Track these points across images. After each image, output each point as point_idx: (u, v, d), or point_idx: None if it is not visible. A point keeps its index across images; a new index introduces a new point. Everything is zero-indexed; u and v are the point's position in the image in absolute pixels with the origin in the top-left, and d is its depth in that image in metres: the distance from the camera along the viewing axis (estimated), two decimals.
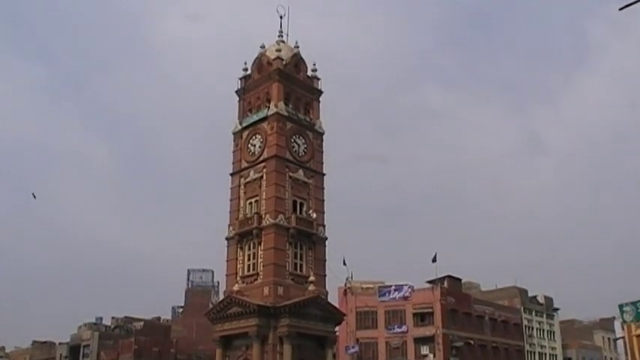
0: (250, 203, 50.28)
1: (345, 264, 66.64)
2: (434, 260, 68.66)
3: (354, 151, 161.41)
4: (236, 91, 54.67)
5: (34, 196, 67.25)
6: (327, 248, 50.71)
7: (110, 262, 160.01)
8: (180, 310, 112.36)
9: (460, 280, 77.95)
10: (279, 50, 52.93)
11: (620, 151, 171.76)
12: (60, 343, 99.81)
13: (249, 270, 48.51)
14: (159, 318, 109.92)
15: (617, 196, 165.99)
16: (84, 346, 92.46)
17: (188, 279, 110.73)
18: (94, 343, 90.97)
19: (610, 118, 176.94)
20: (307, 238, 49.31)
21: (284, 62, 52.53)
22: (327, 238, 50.64)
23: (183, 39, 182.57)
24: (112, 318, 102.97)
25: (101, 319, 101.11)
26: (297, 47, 54.85)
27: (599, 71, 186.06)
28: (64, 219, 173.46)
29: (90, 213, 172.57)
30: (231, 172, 52.51)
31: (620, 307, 58.93)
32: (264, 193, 49.31)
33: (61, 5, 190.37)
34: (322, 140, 53.56)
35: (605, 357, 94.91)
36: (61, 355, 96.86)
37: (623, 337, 59.81)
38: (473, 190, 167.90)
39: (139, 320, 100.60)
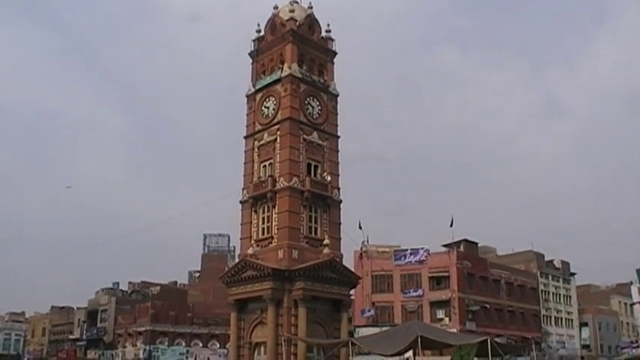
0: (264, 166, 49.81)
1: (360, 227, 66.47)
2: (451, 224, 68.31)
3: (369, 116, 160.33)
4: (249, 53, 53.85)
5: (69, 187, 66.70)
6: (342, 211, 50.24)
7: (127, 228, 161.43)
8: (197, 274, 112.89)
9: (476, 244, 77.58)
10: (292, 11, 51.94)
11: (635, 113, 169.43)
12: (78, 308, 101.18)
13: (263, 233, 48.21)
14: (175, 283, 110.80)
15: (635, 159, 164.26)
16: (101, 311, 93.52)
17: (204, 244, 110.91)
18: (112, 308, 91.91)
19: (629, 80, 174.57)
20: (322, 201, 48.84)
21: (297, 23, 51.58)
22: (341, 201, 50.14)
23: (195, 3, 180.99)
24: (129, 283, 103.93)
25: (118, 284, 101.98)
26: (311, 8, 53.82)
27: (617, 31, 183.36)
28: (81, 186, 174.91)
29: (106, 179, 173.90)
30: (245, 135, 52.00)
31: (638, 271, 58.66)
32: (278, 156, 48.77)
33: None
34: (337, 102, 52.74)
35: (622, 322, 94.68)
36: (79, 319, 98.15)
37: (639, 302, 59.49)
38: (490, 154, 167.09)
39: (156, 285, 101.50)
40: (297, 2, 53.79)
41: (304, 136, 49.44)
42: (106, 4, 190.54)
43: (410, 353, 40.97)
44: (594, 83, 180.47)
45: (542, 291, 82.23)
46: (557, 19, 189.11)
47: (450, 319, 67.60)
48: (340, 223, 50.07)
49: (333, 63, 53.59)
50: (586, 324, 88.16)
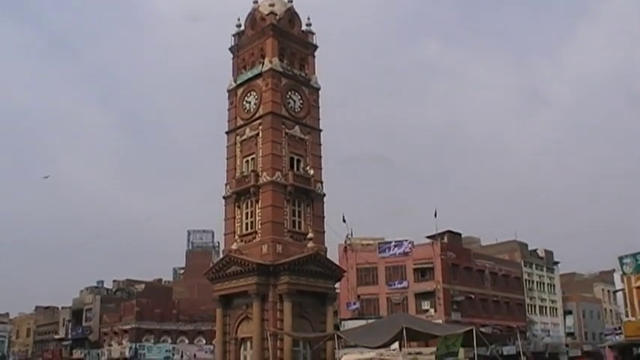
0: (247, 161, 49.68)
1: (344, 221, 66.57)
2: (435, 215, 68.60)
3: (352, 108, 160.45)
4: (230, 48, 53.63)
5: (47, 177, 65.84)
6: (325, 205, 50.24)
7: (110, 226, 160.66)
8: (182, 271, 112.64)
9: (460, 235, 77.95)
10: (272, 5, 51.73)
11: (623, 102, 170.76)
12: (63, 308, 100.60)
13: (247, 228, 48.12)
14: (160, 280, 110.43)
15: (619, 149, 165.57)
16: (86, 310, 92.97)
17: (188, 240, 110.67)
18: (96, 307, 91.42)
19: (612, 69, 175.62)
20: (305, 195, 48.81)
21: (277, 17, 51.40)
22: (325, 195, 50.11)
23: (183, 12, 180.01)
24: (114, 281, 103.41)
25: (102, 282, 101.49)
26: (291, 2, 53.61)
27: (600, 21, 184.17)
28: (63, 184, 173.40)
29: (88, 177, 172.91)
30: (226, 130, 51.82)
31: (620, 259, 58.99)
32: (260, 151, 48.66)
33: None
34: (318, 96, 52.63)
35: (605, 309, 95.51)
36: (64, 319, 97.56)
37: (622, 290, 59.93)
38: (473, 145, 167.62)
39: (141, 283, 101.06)
40: None
41: (286, 130, 49.35)
42: (88, 1, 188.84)
43: (396, 345, 41.19)
44: (578, 74, 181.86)
45: (526, 280, 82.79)
46: (540, 10, 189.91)
47: (435, 310, 67.88)
48: (324, 217, 50.08)
49: (314, 57, 53.48)
50: (570, 312, 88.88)
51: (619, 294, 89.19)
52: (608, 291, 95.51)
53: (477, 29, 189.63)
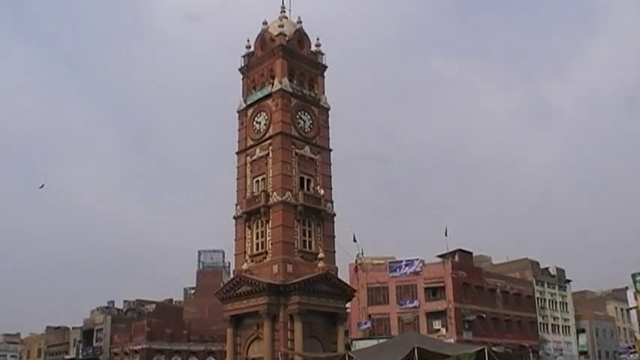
0: (257, 181, 49.92)
1: (355, 240, 66.42)
2: (445, 234, 68.49)
3: (360, 123, 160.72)
4: (239, 69, 54.08)
5: (42, 186, 66.11)
6: (335, 224, 50.34)
7: (121, 246, 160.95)
8: (192, 291, 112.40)
9: (471, 253, 77.57)
10: (281, 26, 52.23)
11: (630, 115, 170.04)
12: (73, 328, 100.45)
13: (257, 248, 48.22)
14: (171, 300, 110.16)
15: (628, 162, 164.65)
16: (97, 330, 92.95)
17: (199, 260, 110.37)
18: (107, 327, 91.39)
19: (618, 81, 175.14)
20: (315, 214, 48.93)
21: (287, 38, 51.86)
22: (335, 214, 50.22)
23: (184, 17, 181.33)
24: (124, 301, 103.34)
25: (113, 302, 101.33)
26: (300, 22, 54.15)
27: (606, 34, 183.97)
28: (73, 203, 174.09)
29: (98, 196, 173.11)
30: (237, 150, 52.08)
31: (633, 276, 58.72)
32: (270, 171, 48.90)
33: None
34: (328, 116, 52.98)
35: (619, 327, 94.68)
36: (74, 339, 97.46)
37: (636, 307, 59.57)
38: (482, 162, 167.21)
39: (151, 303, 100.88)
40: (286, 17, 54.17)
41: (296, 150, 49.58)
42: (92, 16, 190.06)
43: None
44: (584, 86, 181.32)
45: (538, 298, 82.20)
46: (545, 22, 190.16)
47: (446, 330, 67.45)
48: (334, 236, 50.17)
49: (323, 77, 53.90)
50: (583, 330, 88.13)
51: (632, 312, 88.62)
52: (622, 309, 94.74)
53: (483, 44, 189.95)
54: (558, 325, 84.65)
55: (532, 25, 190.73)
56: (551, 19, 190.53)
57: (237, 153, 52.01)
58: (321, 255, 47.14)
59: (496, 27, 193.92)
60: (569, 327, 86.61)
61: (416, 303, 69.49)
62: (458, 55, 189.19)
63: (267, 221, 47.78)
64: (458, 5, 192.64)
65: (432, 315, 68.96)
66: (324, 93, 53.27)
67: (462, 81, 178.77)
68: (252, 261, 47.49)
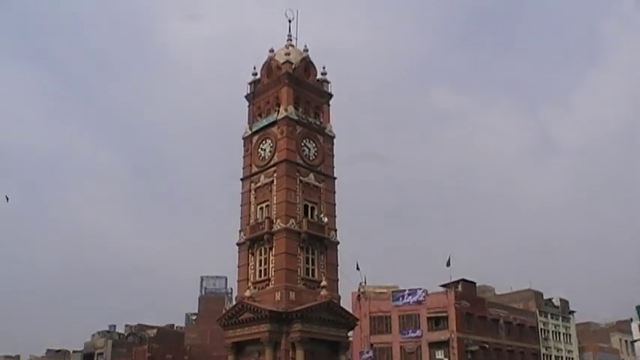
0: (261, 208, 50.01)
1: (358, 268, 66.24)
2: (448, 264, 68.27)
3: (360, 151, 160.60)
4: (245, 96, 54.46)
5: (7, 199, 64.66)
6: (339, 252, 50.32)
7: (123, 270, 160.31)
8: (194, 317, 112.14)
9: (474, 283, 77.31)
10: (288, 54, 52.69)
11: (635, 148, 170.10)
12: (74, 352, 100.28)
13: (260, 275, 48.17)
14: (172, 325, 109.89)
15: (632, 195, 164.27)
16: (98, 354, 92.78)
17: (201, 286, 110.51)
18: (108, 351, 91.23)
19: (623, 116, 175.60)
20: (319, 242, 48.94)
21: (293, 66, 52.28)
22: (338, 243, 50.25)
23: (190, 43, 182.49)
24: (126, 326, 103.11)
25: (114, 327, 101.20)
26: (307, 51, 54.60)
27: (610, 69, 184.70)
28: (76, 227, 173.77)
29: (102, 220, 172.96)
30: (241, 177, 52.24)
31: (638, 307, 58.36)
32: (274, 198, 49.00)
33: (64, 11, 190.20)
34: (333, 144, 53.21)
35: (623, 359, 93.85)
36: None
37: None
38: (485, 192, 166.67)
39: (153, 328, 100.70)
40: (292, 45, 54.62)
41: (301, 177, 49.75)
42: (99, 42, 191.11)
43: None
44: (589, 119, 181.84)
45: (541, 330, 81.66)
46: (551, 56, 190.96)
47: None
48: (337, 265, 50.13)
49: (329, 105, 54.25)
50: None
51: (637, 344, 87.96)
52: (626, 341, 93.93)
53: (486, 76, 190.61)
54: (562, 357, 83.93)
55: (536, 57, 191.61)
56: (557, 52, 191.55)
57: (241, 179, 52.17)
58: (323, 283, 47.07)
59: (500, 59, 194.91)
60: (572, 359, 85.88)
61: (418, 332, 69.15)
62: (462, 88, 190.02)
63: (271, 248, 47.79)
64: (462, 37, 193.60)
65: (434, 345, 68.56)
66: (329, 121, 53.56)
67: (465, 113, 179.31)
68: (255, 288, 47.43)
